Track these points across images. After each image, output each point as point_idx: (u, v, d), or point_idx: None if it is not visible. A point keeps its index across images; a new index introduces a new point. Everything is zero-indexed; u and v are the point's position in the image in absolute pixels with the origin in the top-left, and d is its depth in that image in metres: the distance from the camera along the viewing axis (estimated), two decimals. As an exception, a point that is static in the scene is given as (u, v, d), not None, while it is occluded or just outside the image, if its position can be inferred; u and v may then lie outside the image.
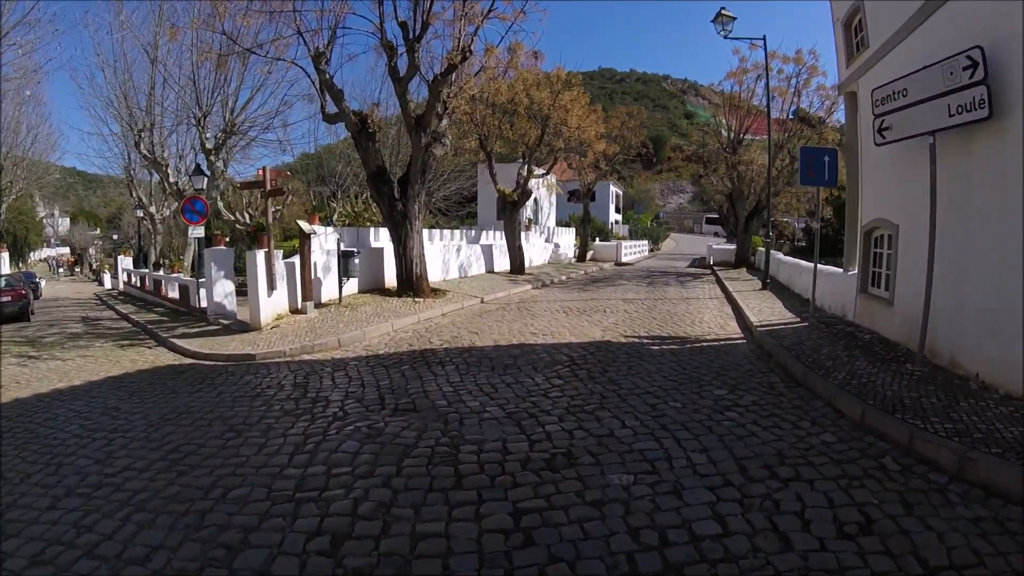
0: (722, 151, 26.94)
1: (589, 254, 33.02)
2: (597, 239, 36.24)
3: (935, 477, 4.53)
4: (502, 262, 23.09)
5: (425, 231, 19.12)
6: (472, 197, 37.16)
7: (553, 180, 33.80)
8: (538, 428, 5.66)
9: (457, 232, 21.49)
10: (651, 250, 49.57)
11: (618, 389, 7.04)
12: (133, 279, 25.66)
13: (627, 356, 8.87)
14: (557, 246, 29.90)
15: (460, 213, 40.66)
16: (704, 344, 9.97)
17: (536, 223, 31.11)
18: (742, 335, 10.94)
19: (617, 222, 61.72)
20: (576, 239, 33.61)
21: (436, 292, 15.83)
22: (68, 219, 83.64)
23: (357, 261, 14.39)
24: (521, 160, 22.21)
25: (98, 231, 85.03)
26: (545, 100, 20.98)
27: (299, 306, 13.22)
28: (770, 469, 4.70)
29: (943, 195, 7.56)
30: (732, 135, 26.73)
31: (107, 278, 34.94)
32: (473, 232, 22.83)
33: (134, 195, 34.28)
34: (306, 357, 9.70)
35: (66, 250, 79.34)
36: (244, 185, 19.63)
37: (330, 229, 16.01)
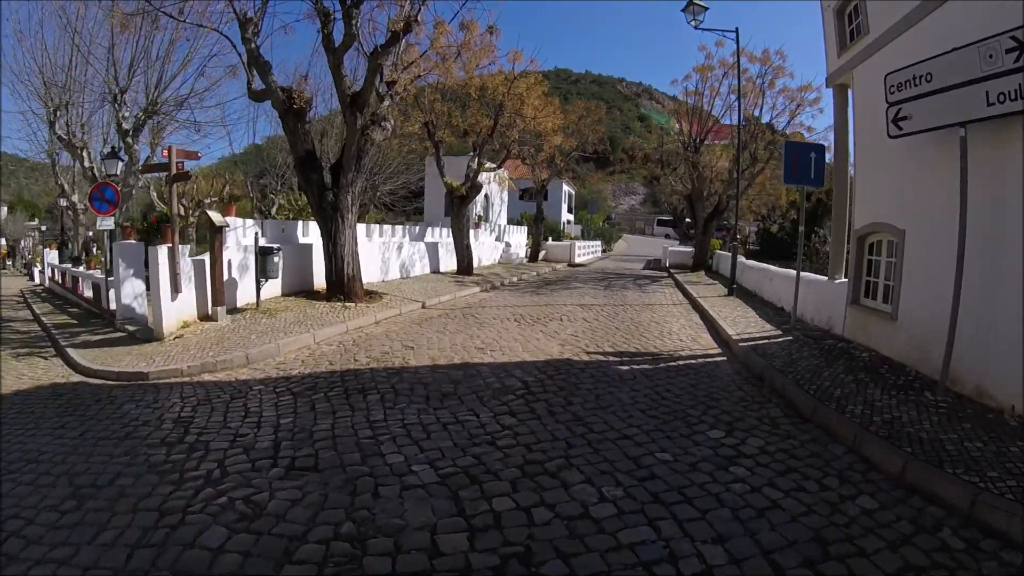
0: (683, 151, 25.76)
1: (541, 254, 31.52)
2: (550, 239, 34.79)
3: (1009, 556, 3.42)
4: (449, 262, 21.40)
5: (362, 226, 17.37)
6: (420, 192, 35.33)
7: (505, 175, 32.25)
8: (483, 505, 4.03)
9: (399, 228, 19.74)
10: (604, 251, 48.47)
11: (587, 431, 5.48)
12: (56, 275, 23.02)
13: (593, 380, 7.33)
14: (508, 245, 28.30)
15: (407, 208, 38.75)
16: (680, 362, 8.52)
17: (486, 221, 29.49)
18: (719, 350, 9.57)
19: (569, 222, 60.49)
20: (528, 238, 32.04)
21: (371, 295, 14.07)
22: (5, 209, 78.17)
23: (277, 260, 12.49)
24: (472, 152, 20.54)
25: (35, 221, 79.77)
26: (499, 87, 19.39)
27: (209, 311, 11.32)
28: (814, 568, 3.29)
29: (958, 196, 6.41)
30: (695, 135, 25.58)
31: (36, 272, 31.90)
32: (417, 229, 21.08)
33: (57, 182, 31.10)
34: (206, 377, 7.88)
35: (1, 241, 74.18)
36: (146, 168, 17.42)
37: (250, 222, 14.08)
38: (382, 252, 17.60)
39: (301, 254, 14.62)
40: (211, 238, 11.41)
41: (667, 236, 70.40)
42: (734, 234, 16.46)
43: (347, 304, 12.94)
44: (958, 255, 6.39)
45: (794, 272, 12.20)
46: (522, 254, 29.67)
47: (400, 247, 18.50)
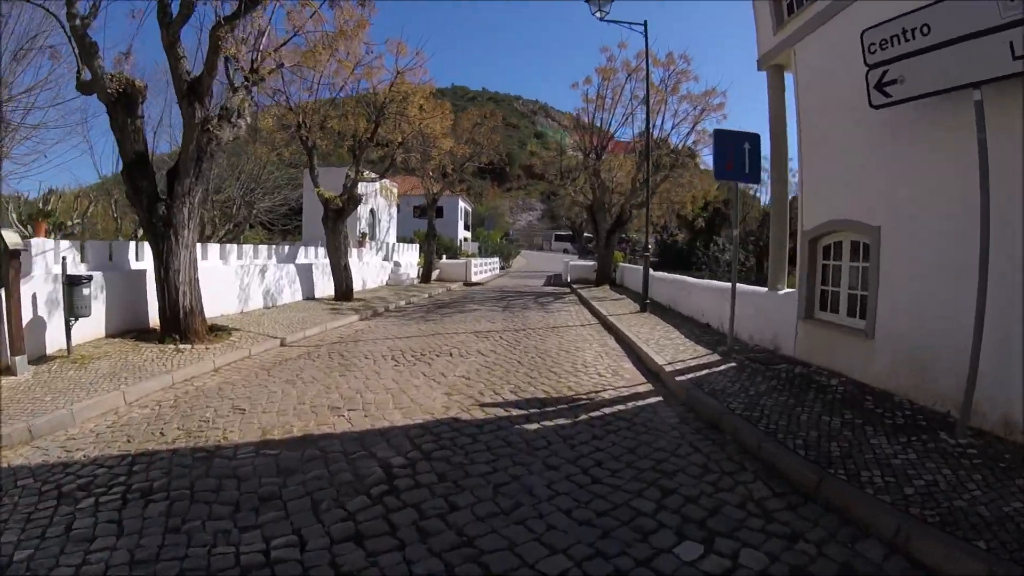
0: (583, 159, 24.15)
1: (435, 273, 29.12)
2: (444, 257, 32.46)
3: None
4: (327, 286, 18.63)
5: (215, 246, 14.53)
6: (301, 209, 32.17)
7: (394, 189, 29.74)
8: None
9: (264, 248, 16.88)
10: (503, 267, 46.61)
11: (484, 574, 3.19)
12: None
13: (490, 455, 5.02)
14: (398, 265, 25.71)
15: (288, 227, 35.46)
16: (605, 410, 6.38)
17: (373, 239, 26.77)
18: (649, 386, 7.57)
19: (467, 239, 58.51)
20: (421, 257, 29.50)
21: (218, 332, 11.27)
22: None
23: (87, 292, 9.51)
24: (351, 159, 17.94)
25: None
26: (379, 86, 17.05)
27: (8, 362, 8.28)
28: None
29: (963, 180, 4.88)
30: (596, 143, 24.01)
31: None
32: (287, 248, 18.24)
33: None
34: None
35: None
36: None
37: (65, 244, 10.97)
38: (240, 277, 14.73)
39: (132, 283, 11.56)
40: (5, 266, 8.37)
41: (565, 251, 69.85)
42: (646, 245, 14.72)
43: (182, 346, 10.10)
44: (981, 251, 4.65)
45: (718, 283, 10.57)
46: (413, 274, 27.13)
47: (264, 271, 15.67)
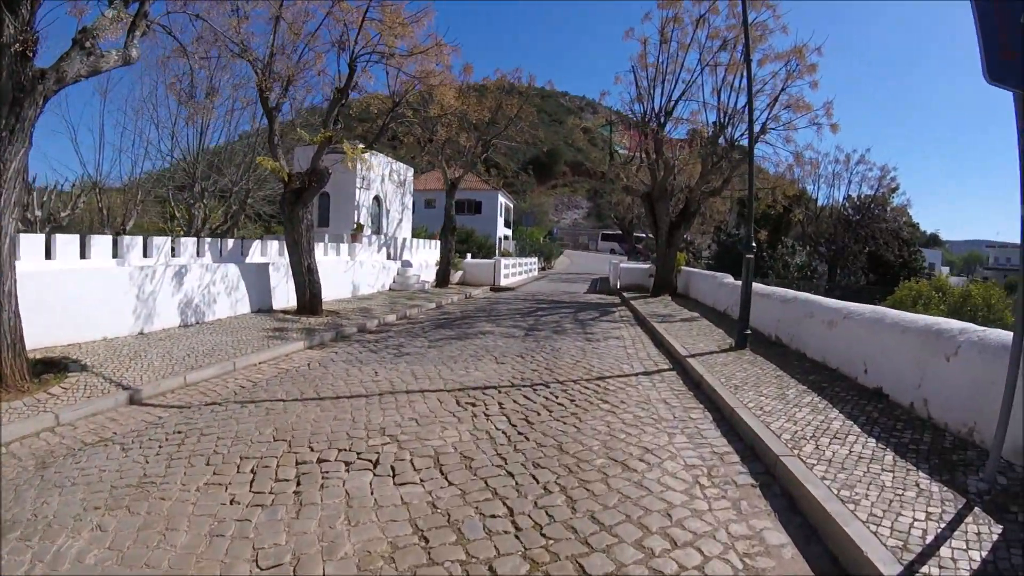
0: (642, 124, 18.79)
1: (457, 275, 24.09)
2: (469, 256, 27.38)
3: None
4: (290, 293, 13.74)
5: (103, 238, 10.06)
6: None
7: (409, 174, 24.85)
8: None
9: (189, 241, 12.12)
10: (542, 268, 41.46)
11: None
12: None
13: None
14: (406, 265, 20.70)
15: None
16: None
17: (377, 232, 21.85)
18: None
19: (507, 237, 53.45)
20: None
21: (55, 373, 6.66)
22: None
23: None
24: (332, 112, 12.98)
25: None
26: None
27: None
28: None
29: None
30: (662, 102, 18.65)
31: None
32: (231, 243, 13.38)
33: None
34: None
35: None
36: None
37: None
38: (139, 285, 9.97)
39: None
40: None
41: (612, 252, 64.48)
42: (749, 238, 9.29)
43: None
44: None
45: (906, 316, 5.44)
46: (429, 277, 22.15)
47: (180, 275, 10.87)
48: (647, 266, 23.95)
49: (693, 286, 18.87)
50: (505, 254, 43.06)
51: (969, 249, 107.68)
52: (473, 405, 6.32)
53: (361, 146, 14.05)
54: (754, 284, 9.84)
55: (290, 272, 13.21)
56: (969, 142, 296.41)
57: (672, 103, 18.44)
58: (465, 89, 19.46)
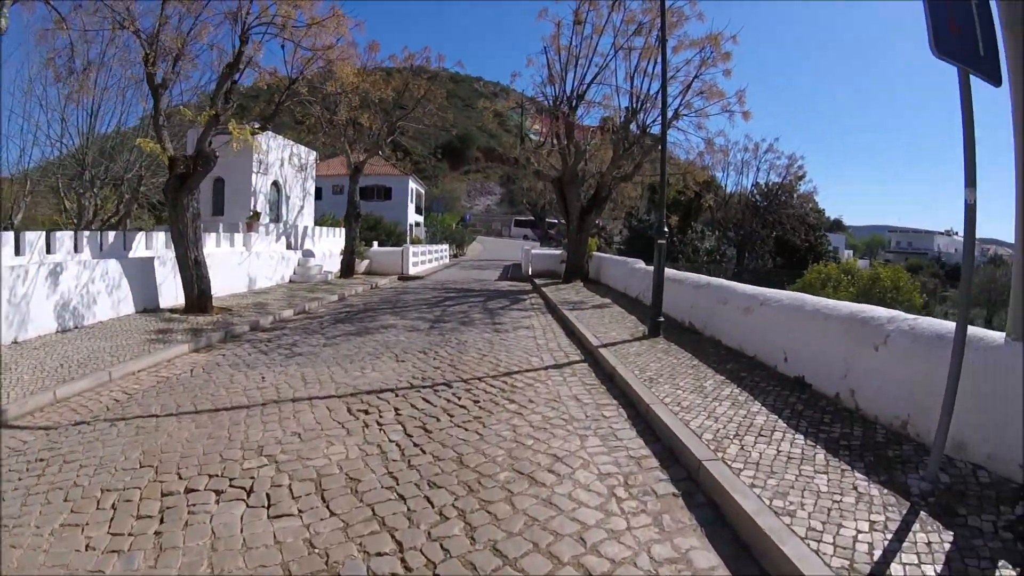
0: (553, 108, 18.36)
1: (363, 265, 23.08)
2: (375, 244, 26.32)
3: None
4: (178, 288, 12.56)
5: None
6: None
7: (312, 159, 23.58)
8: None
9: (66, 236, 10.89)
10: (454, 256, 40.76)
11: None
12: None
13: None
14: (308, 255, 19.58)
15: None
16: None
17: (277, 220, 20.56)
18: None
19: (418, 224, 52.29)
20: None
21: None
22: None
23: None
24: (221, 88, 11.87)
25: None
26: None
27: None
28: None
29: None
30: (574, 84, 18.25)
31: None
32: (111, 236, 12.13)
33: None
34: None
35: None
36: None
37: None
38: (10, 287, 8.66)
39: None
40: None
41: (525, 237, 64.19)
42: (661, 223, 8.98)
43: None
44: None
45: (830, 303, 5.24)
46: (333, 267, 21.09)
47: (58, 273, 9.63)
48: (559, 252, 23.66)
49: (605, 272, 18.67)
50: (416, 241, 42.02)
51: (872, 234, 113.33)
52: (366, 412, 5.68)
53: (256, 126, 12.99)
54: (666, 269, 9.54)
55: (178, 266, 12.06)
56: (873, 135, 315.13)
57: (585, 87, 18.11)
58: (370, 66, 18.59)
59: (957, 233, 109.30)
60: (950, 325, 4.21)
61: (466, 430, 5.13)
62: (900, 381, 4.53)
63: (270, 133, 20.15)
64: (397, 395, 6.28)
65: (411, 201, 49.72)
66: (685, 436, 4.56)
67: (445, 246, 36.46)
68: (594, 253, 21.59)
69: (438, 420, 5.40)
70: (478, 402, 5.95)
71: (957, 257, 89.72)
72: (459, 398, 6.10)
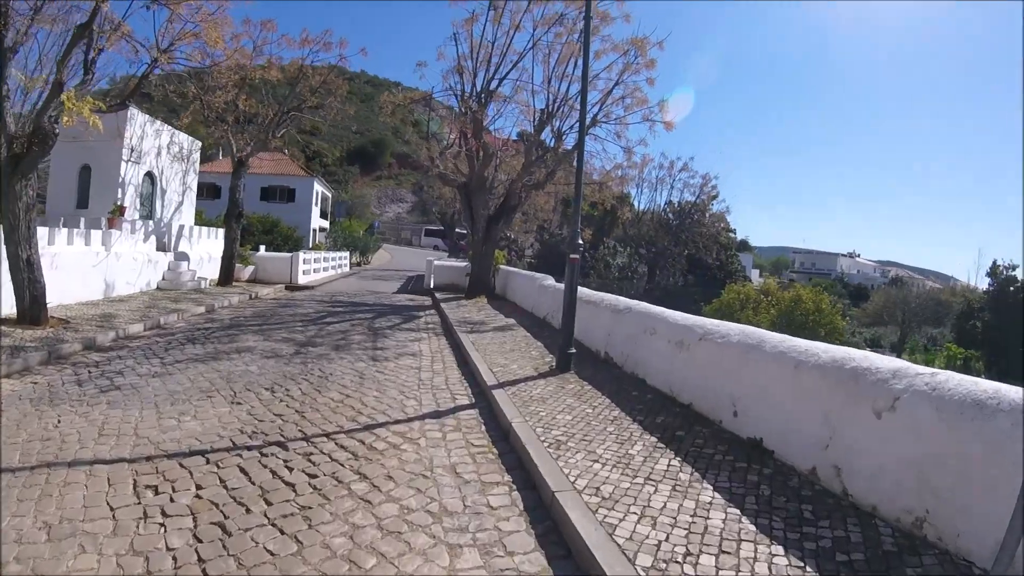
0: (461, 105, 16.75)
1: (247, 271, 20.67)
2: (262, 248, 23.79)
3: None
4: (11, 295, 10.08)
5: None
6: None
7: (196, 148, 20.99)
8: None
9: None
10: (356, 264, 38.40)
11: None
12: None
13: None
14: (181, 258, 17.12)
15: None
16: None
17: (149, 216, 17.89)
18: None
19: (323, 229, 49.46)
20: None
21: None
22: None
23: None
24: (68, 54, 9.60)
25: None
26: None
27: None
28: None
29: None
30: (485, 79, 16.65)
31: None
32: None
33: None
34: None
35: None
36: None
37: None
38: None
39: None
40: None
41: (436, 248, 62.34)
42: (574, 235, 7.42)
43: None
44: None
45: (787, 341, 3.89)
46: (210, 272, 18.67)
47: None
48: (464, 264, 22.04)
49: (512, 287, 17.17)
50: (318, 247, 39.32)
51: (777, 255, 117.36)
52: (155, 492, 3.95)
53: (113, 104, 10.79)
54: (585, 291, 8.03)
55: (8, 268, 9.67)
56: (784, 158, 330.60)
57: (499, 82, 16.57)
58: (265, 48, 16.60)
59: (859, 255, 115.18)
60: (987, 386, 2.85)
61: (281, 533, 3.44)
62: (913, 461, 3.15)
63: (147, 117, 17.66)
64: (208, 461, 4.50)
65: (316, 204, 46.97)
66: (611, 558, 2.99)
67: (346, 254, 34.07)
68: (500, 266, 20.06)
69: (247, 512, 3.68)
70: (314, 478, 4.25)
71: (859, 278, 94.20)
72: (291, 470, 4.38)
